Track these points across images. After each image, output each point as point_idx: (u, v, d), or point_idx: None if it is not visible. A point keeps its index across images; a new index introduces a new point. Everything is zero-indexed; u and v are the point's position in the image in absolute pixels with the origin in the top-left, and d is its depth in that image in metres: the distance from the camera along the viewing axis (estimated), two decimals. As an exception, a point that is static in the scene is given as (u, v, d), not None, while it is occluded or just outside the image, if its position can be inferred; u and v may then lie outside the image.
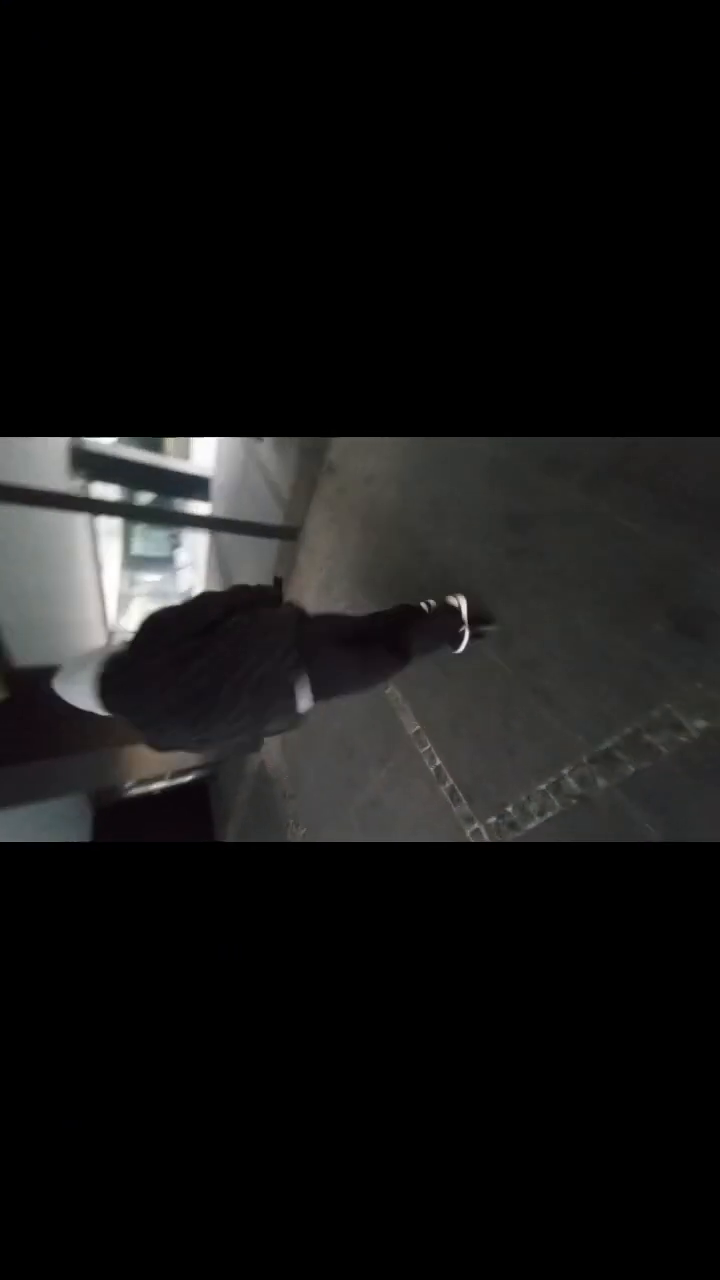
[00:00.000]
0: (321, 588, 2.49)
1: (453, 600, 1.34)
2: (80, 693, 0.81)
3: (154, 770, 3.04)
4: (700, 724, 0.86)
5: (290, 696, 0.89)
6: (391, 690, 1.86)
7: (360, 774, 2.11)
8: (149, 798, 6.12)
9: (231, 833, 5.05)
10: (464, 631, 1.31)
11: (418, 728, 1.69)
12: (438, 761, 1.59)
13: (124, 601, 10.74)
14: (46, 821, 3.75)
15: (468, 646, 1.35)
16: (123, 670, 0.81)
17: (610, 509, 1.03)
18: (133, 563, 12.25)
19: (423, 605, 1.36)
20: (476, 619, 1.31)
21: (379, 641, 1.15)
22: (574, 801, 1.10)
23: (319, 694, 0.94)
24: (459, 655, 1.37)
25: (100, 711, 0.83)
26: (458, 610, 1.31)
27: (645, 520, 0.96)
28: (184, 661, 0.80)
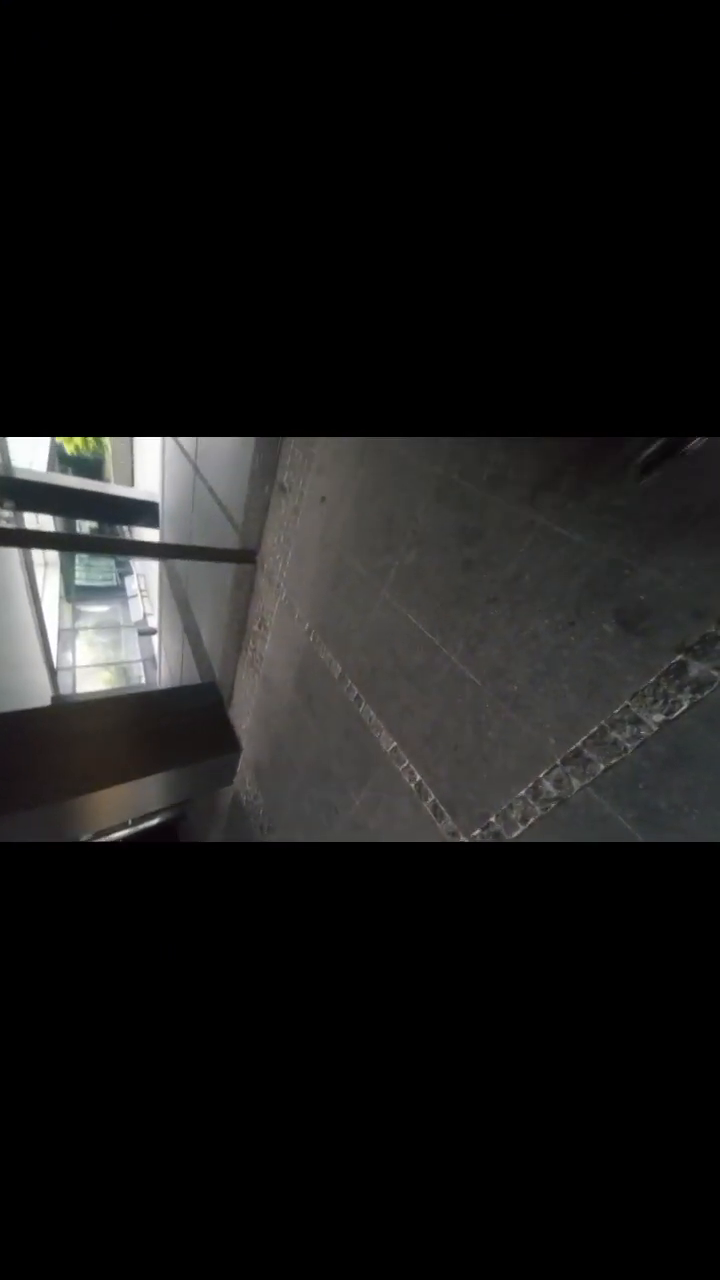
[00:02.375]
0: (284, 609, 2.44)
1: None
2: None
3: (114, 818, 2.79)
4: (658, 718, 0.91)
5: None
6: (364, 708, 1.83)
7: (340, 798, 2.05)
8: (111, 848, 5.63)
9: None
10: None
11: (394, 744, 1.68)
12: (418, 777, 1.57)
13: (67, 637, 10.05)
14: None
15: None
16: None
17: (548, 520, 1.09)
18: (77, 594, 11.50)
19: None
20: None
21: None
22: (552, 805, 1.12)
23: None
24: (427, 667, 1.36)
25: None
26: None
27: (582, 529, 1.02)
28: None
